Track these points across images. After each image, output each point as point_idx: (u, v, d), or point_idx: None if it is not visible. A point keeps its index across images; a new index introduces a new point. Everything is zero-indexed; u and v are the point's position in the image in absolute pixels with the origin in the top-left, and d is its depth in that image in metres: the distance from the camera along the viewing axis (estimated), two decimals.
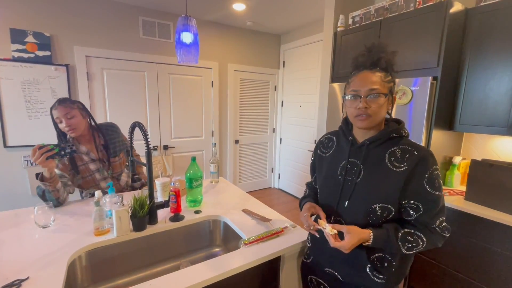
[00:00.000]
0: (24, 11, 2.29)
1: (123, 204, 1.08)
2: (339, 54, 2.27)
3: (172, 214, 1.24)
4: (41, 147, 1.15)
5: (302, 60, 3.52)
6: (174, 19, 3.01)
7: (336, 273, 0.90)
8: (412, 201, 0.77)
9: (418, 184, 0.76)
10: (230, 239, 1.27)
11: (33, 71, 2.36)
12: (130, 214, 1.10)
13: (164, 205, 1.23)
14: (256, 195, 3.89)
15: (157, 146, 3.14)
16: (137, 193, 1.53)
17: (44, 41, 2.37)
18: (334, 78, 2.35)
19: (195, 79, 3.28)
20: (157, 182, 1.43)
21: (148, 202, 1.13)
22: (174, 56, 3.08)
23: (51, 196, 1.27)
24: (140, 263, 1.16)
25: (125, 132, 2.88)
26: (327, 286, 0.95)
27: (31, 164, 2.41)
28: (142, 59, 2.88)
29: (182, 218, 1.24)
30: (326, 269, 0.93)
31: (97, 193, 1.10)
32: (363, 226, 0.79)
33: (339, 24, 2.23)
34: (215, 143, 1.79)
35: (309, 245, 1.02)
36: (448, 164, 1.87)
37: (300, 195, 3.77)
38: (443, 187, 1.84)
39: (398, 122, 0.86)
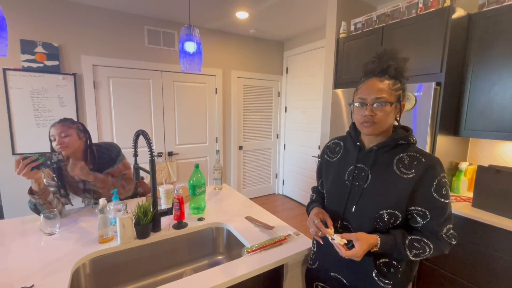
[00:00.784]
0: (33, 22, 2.36)
1: (127, 212, 1.09)
2: (341, 61, 2.27)
3: (176, 222, 1.24)
4: (24, 157, 1.09)
5: (305, 66, 3.54)
6: (178, 28, 3.07)
7: (342, 278, 0.90)
8: (419, 208, 0.78)
9: (426, 191, 0.76)
10: (233, 247, 1.27)
11: (42, 80, 2.42)
12: (133, 221, 1.11)
13: (167, 212, 1.24)
14: (260, 201, 3.88)
15: (161, 153, 3.17)
16: (140, 200, 1.54)
17: (53, 51, 2.43)
18: (337, 84, 2.35)
19: (199, 86, 3.32)
20: (161, 189, 1.44)
21: (151, 210, 1.14)
22: (179, 64, 3.13)
23: (44, 209, 1.21)
24: (143, 271, 1.16)
25: (131, 138, 2.91)
26: None
27: None
28: (147, 67, 2.93)
29: (185, 225, 1.24)
30: (332, 273, 0.93)
31: (102, 200, 1.12)
32: (370, 231, 0.80)
33: (341, 31, 2.25)
34: (218, 150, 1.80)
35: (314, 250, 1.01)
36: (454, 170, 1.85)
37: (304, 201, 3.74)
38: (450, 194, 1.80)
39: (407, 129, 0.86)
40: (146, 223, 1.12)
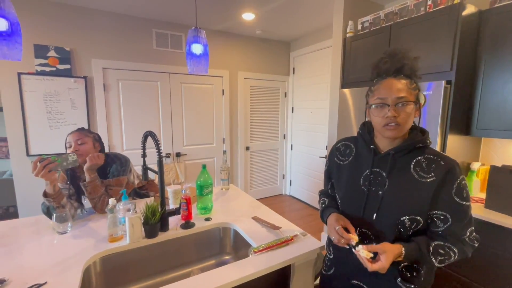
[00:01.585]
0: (46, 28, 2.43)
1: (136, 212, 1.11)
2: (348, 60, 2.26)
3: (183, 221, 1.26)
4: (42, 159, 1.11)
5: (312, 66, 3.52)
6: (185, 30, 3.10)
7: (364, 285, 0.87)
8: (439, 212, 0.76)
9: (447, 194, 0.75)
10: (240, 247, 1.27)
11: (54, 83, 2.49)
12: (142, 221, 1.13)
13: (175, 212, 1.25)
14: (268, 202, 3.88)
15: (169, 154, 3.21)
16: (149, 200, 1.57)
17: (65, 55, 2.50)
18: (344, 84, 2.33)
19: (206, 88, 3.35)
20: (169, 190, 1.46)
21: (159, 210, 1.16)
22: (186, 66, 3.17)
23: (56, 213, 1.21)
24: (152, 270, 1.18)
25: (140, 139, 2.96)
26: None
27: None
28: (155, 69, 2.98)
29: (193, 225, 1.26)
30: (353, 281, 0.89)
31: (111, 200, 1.14)
32: (392, 238, 0.78)
33: (348, 30, 2.23)
34: (225, 150, 1.81)
35: (330, 257, 0.98)
36: (466, 170, 1.80)
37: (312, 202, 3.72)
38: (470, 196, 1.76)
39: (423, 132, 0.83)
40: (155, 222, 1.13)
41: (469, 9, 1.55)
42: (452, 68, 1.58)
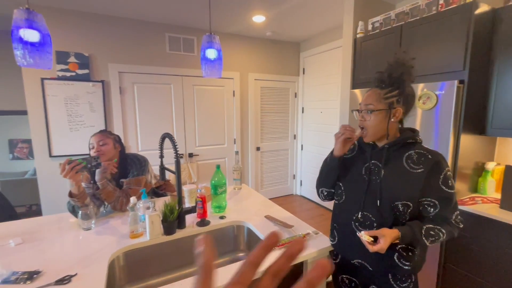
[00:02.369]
0: (67, 35, 2.56)
1: (155, 210, 1.17)
2: (359, 60, 2.26)
3: (199, 219, 1.31)
4: (70, 162, 1.18)
5: (322, 66, 3.53)
6: (197, 34, 3.18)
7: (366, 264, 0.97)
8: (429, 199, 0.88)
9: (435, 184, 0.87)
10: (253, 244, 1.32)
11: (74, 87, 2.61)
12: (161, 218, 1.19)
13: (191, 210, 1.31)
14: (278, 202, 3.90)
15: (182, 154, 3.29)
16: (167, 199, 1.63)
17: (84, 60, 2.62)
18: (355, 84, 2.34)
19: (217, 89, 3.42)
20: (185, 189, 1.52)
21: (177, 208, 1.22)
22: (198, 69, 3.25)
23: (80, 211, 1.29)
24: (170, 265, 1.24)
25: (155, 139, 3.06)
26: (357, 282, 1.03)
27: None
28: (168, 72, 3.07)
29: (208, 223, 1.31)
30: (355, 260, 0.99)
31: (132, 199, 1.21)
32: (391, 221, 0.89)
33: (358, 31, 2.24)
34: (237, 151, 1.86)
35: (334, 242, 1.07)
36: (481, 170, 1.78)
37: (323, 202, 3.72)
38: (476, 195, 1.75)
39: (413, 130, 0.96)
40: (172, 220, 1.19)
41: (482, 8, 1.54)
42: (465, 67, 1.57)
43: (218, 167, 1.44)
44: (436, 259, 1.70)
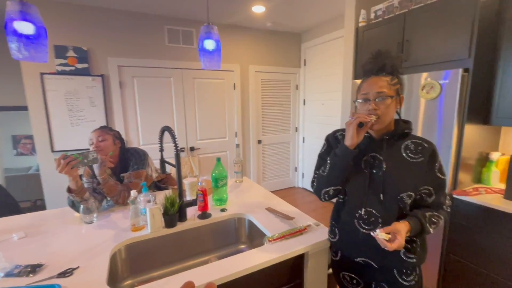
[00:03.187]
0: (65, 29, 2.53)
1: (156, 203, 1.17)
2: (361, 50, 2.22)
3: (200, 212, 1.32)
4: (65, 157, 1.17)
5: (324, 57, 3.47)
6: (196, 26, 3.13)
7: (370, 261, 0.95)
8: (426, 187, 0.89)
9: (432, 172, 0.88)
10: (255, 236, 1.32)
11: (74, 82, 2.60)
12: (162, 211, 1.19)
13: (192, 203, 1.31)
14: (280, 194, 3.91)
15: (183, 148, 3.29)
16: (168, 192, 1.64)
17: (83, 54, 2.60)
18: (357, 75, 2.30)
19: (218, 82, 3.39)
20: (185, 182, 1.52)
21: (178, 201, 1.21)
22: (198, 62, 3.21)
23: (80, 206, 1.28)
24: (172, 258, 1.25)
25: (156, 133, 3.05)
26: (359, 279, 1.01)
27: None
28: (168, 65, 3.04)
29: (209, 216, 1.31)
30: (359, 259, 0.96)
31: (133, 192, 1.21)
32: (396, 215, 0.88)
33: (360, 20, 2.19)
34: (238, 144, 1.85)
35: (335, 240, 1.03)
36: (485, 160, 1.76)
37: None
38: (479, 185, 1.73)
39: (406, 121, 0.95)
40: (173, 213, 1.19)
41: None
42: (470, 55, 1.53)
43: (218, 160, 1.43)
44: (439, 250, 1.70)
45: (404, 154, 0.90)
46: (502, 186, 1.66)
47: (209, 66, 1.39)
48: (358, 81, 2.14)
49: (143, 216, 1.22)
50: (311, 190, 3.95)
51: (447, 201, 0.92)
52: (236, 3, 2.63)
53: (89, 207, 1.26)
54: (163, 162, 1.35)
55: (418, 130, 1.75)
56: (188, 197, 1.52)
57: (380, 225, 0.89)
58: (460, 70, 1.51)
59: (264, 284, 1.00)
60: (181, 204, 1.24)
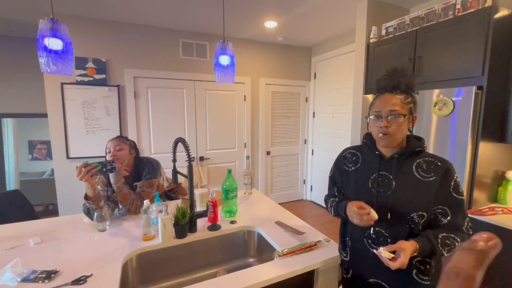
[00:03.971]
0: (85, 42, 2.66)
1: (168, 213, 1.19)
2: (372, 65, 2.24)
3: (210, 224, 1.32)
4: (86, 165, 1.22)
5: (334, 71, 3.50)
6: (210, 39, 3.24)
7: (382, 282, 0.93)
8: (441, 207, 0.86)
9: (446, 191, 0.85)
10: (264, 250, 1.31)
11: (91, 92, 2.70)
12: (173, 222, 1.21)
13: (203, 214, 1.32)
14: (288, 207, 3.87)
15: (193, 158, 3.33)
16: (179, 202, 1.66)
17: (101, 66, 2.71)
18: (367, 90, 2.31)
19: (229, 94, 3.46)
20: (196, 193, 1.53)
21: (189, 211, 1.23)
22: (210, 74, 3.30)
23: (95, 213, 1.31)
24: (181, 269, 1.25)
25: (168, 143, 3.11)
26: None
27: None
28: (181, 77, 3.13)
29: (219, 227, 1.32)
30: (371, 279, 0.95)
31: (146, 202, 1.23)
32: (405, 235, 0.86)
33: (371, 36, 2.22)
34: (248, 156, 1.86)
35: (346, 259, 1.02)
36: (501, 179, 1.71)
37: None
38: (495, 205, 1.68)
39: (419, 139, 0.94)
40: (184, 223, 1.21)
41: (502, 12, 1.50)
42: (484, 73, 1.52)
43: (229, 171, 1.45)
44: None
45: (415, 173, 0.88)
46: None
47: (223, 80, 1.43)
48: (369, 96, 2.15)
49: (154, 226, 1.24)
50: (320, 203, 3.90)
51: (467, 223, 0.87)
52: (249, 19, 2.72)
53: (102, 215, 1.29)
54: (175, 172, 1.38)
55: (430, 147, 1.73)
56: (198, 207, 1.53)
57: (390, 244, 0.86)
58: (474, 88, 1.50)
59: None
60: (192, 215, 1.25)
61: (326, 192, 3.83)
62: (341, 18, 2.72)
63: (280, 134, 3.89)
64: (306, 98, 3.99)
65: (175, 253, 1.22)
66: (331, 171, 1.10)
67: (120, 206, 1.52)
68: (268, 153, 3.82)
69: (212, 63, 3.29)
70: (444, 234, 0.84)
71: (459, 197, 0.86)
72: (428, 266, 0.88)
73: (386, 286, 0.92)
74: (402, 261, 0.76)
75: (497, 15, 1.48)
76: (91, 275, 0.93)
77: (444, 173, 0.85)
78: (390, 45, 2.06)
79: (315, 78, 3.88)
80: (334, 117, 3.53)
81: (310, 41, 3.56)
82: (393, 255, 0.79)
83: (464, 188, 1.59)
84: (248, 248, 1.39)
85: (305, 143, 4.09)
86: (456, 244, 0.84)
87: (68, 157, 2.68)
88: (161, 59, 3.02)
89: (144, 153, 3.06)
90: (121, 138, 1.52)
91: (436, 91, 1.67)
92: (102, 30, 2.72)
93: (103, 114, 2.78)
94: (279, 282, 0.96)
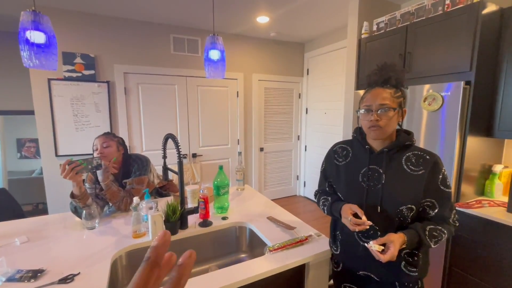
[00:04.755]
0: (73, 36, 2.59)
1: (158, 210, 1.17)
2: (363, 61, 2.24)
3: (201, 220, 1.32)
4: (70, 162, 1.18)
5: (327, 67, 3.51)
6: (201, 35, 3.19)
7: (371, 275, 0.95)
8: (429, 199, 0.88)
9: (434, 184, 0.87)
10: (255, 246, 1.32)
11: (80, 88, 2.64)
12: (163, 219, 1.19)
13: (194, 211, 1.31)
14: (282, 203, 3.89)
15: (186, 155, 3.31)
16: (169, 199, 1.64)
17: (90, 61, 2.65)
18: (359, 85, 2.32)
19: (221, 90, 3.43)
20: (187, 189, 1.52)
21: (179, 208, 1.22)
22: (202, 70, 3.26)
23: (83, 211, 1.28)
24: None
25: (159, 140, 3.08)
26: None
27: None
28: (173, 73, 3.08)
29: (210, 224, 1.31)
30: (361, 272, 0.97)
31: (135, 199, 1.21)
32: (395, 227, 0.88)
33: (363, 31, 2.22)
34: (240, 152, 1.86)
35: (337, 253, 1.03)
36: (487, 173, 1.75)
37: None
38: (482, 198, 1.72)
39: (408, 133, 0.95)
40: (175, 220, 1.20)
41: (490, 8, 1.52)
42: (472, 68, 1.54)
43: (221, 167, 1.44)
44: (441, 263, 1.67)
45: (405, 166, 0.89)
46: (505, 199, 1.65)
47: (214, 76, 1.42)
48: (361, 92, 2.16)
49: (144, 223, 1.22)
50: (313, 199, 3.93)
51: (453, 215, 0.90)
52: (241, 14, 2.69)
53: (91, 213, 1.27)
54: (166, 169, 1.37)
55: (420, 142, 1.75)
56: (190, 204, 1.52)
57: (380, 237, 0.88)
58: (462, 83, 1.52)
59: None
60: (183, 211, 1.24)
61: None
62: (333, 13, 2.71)
63: (273, 131, 3.89)
64: (299, 94, 3.99)
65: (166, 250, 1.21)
66: (322, 165, 1.11)
67: (110, 204, 1.50)
68: (261, 149, 3.82)
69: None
70: (432, 226, 0.86)
71: (447, 190, 0.87)
72: (416, 258, 0.90)
73: (376, 278, 0.94)
74: (391, 253, 0.78)
75: (485, 11, 1.50)
76: (79, 273, 0.92)
77: (432, 167, 0.86)
78: (381, 40, 2.07)
79: (308, 74, 3.88)
80: (327, 113, 3.54)
81: (302, 36, 3.55)
82: (383, 248, 0.81)
83: (452, 181, 1.62)
84: (240, 244, 1.39)
85: (298, 139, 4.11)
86: (443, 235, 0.86)
87: (57, 155, 2.63)
88: (152, 55, 2.97)
89: (136, 150, 3.02)
90: (109, 135, 1.49)
91: (426, 86, 1.68)
92: (90, 25, 2.65)
93: (92, 111, 2.73)
94: (270, 277, 0.97)
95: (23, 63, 0.99)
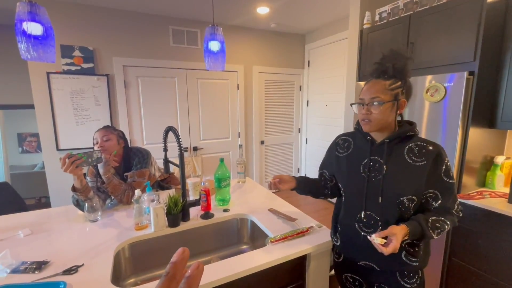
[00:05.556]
0: (71, 29, 2.56)
1: (159, 202, 1.18)
2: (365, 52, 2.21)
3: (203, 212, 1.32)
4: (70, 156, 1.18)
5: (328, 59, 3.47)
6: (201, 26, 3.15)
7: (372, 264, 0.95)
8: (431, 190, 0.87)
9: (437, 175, 0.86)
10: (257, 237, 1.33)
11: (79, 81, 2.63)
12: (165, 211, 1.20)
13: (195, 203, 1.32)
14: (283, 195, 3.91)
15: (187, 148, 3.31)
16: (171, 192, 1.65)
17: (88, 54, 2.63)
18: (360, 77, 2.30)
19: (221, 83, 3.40)
20: (189, 182, 1.53)
21: (181, 200, 1.22)
22: (202, 62, 3.23)
23: (85, 204, 1.29)
24: None
25: (160, 133, 3.07)
26: (362, 280, 1.02)
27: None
28: (172, 66, 3.06)
29: (212, 216, 1.32)
30: (361, 262, 0.98)
31: (137, 192, 1.22)
32: (396, 218, 0.88)
33: (365, 21, 2.18)
34: (241, 145, 1.85)
35: (338, 244, 1.04)
36: (489, 164, 1.74)
37: None
38: (484, 189, 1.72)
39: (410, 123, 0.94)
40: (177, 212, 1.20)
41: None
42: (476, 58, 1.52)
43: (221, 160, 1.44)
44: (442, 254, 1.69)
45: (406, 157, 0.88)
46: (507, 190, 1.65)
47: (214, 67, 1.40)
48: (362, 83, 2.14)
49: (146, 216, 1.23)
50: None
51: (457, 206, 0.89)
52: (240, 4, 2.64)
53: (93, 206, 1.27)
54: (167, 162, 1.37)
55: (422, 133, 1.74)
56: (191, 197, 1.53)
57: (380, 229, 0.89)
58: (465, 73, 1.50)
59: (266, 285, 1.01)
60: (185, 204, 1.25)
61: None
62: (335, 3, 2.66)
63: (274, 123, 3.88)
64: (300, 86, 3.96)
65: (168, 242, 1.22)
66: (324, 157, 1.14)
67: (112, 197, 1.51)
68: (262, 142, 3.81)
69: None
70: (435, 217, 0.85)
71: (450, 180, 0.87)
72: (416, 248, 0.90)
73: (376, 268, 0.95)
74: (394, 246, 0.78)
75: (489, 0, 1.46)
76: (83, 265, 0.93)
77: (435, 158, 0.85)
78: (383, 31, 2.03)
79: (308, 66, 3.84)
80: (328, 106, 3.52)
81: (303, 28, 3.50)
82: (385, 240, 0.80)
83: (454, 172, 1.62)
84: (241, 236, 1.40)
85: (299, 132, 4.10)
86: (446, 227, 0.85)
87: (58, 149, 2.63)
88: (151, 47, 2.94)
89: (136, 143, 3.02)
90: (109, 128, 1.49)
91: (429, 77, 1.66)
92: (89, 17, 2.62)
93: (92, 104, 2.72)
94: (271, 267, 0.98)
95: (21, 55, 0.98)
